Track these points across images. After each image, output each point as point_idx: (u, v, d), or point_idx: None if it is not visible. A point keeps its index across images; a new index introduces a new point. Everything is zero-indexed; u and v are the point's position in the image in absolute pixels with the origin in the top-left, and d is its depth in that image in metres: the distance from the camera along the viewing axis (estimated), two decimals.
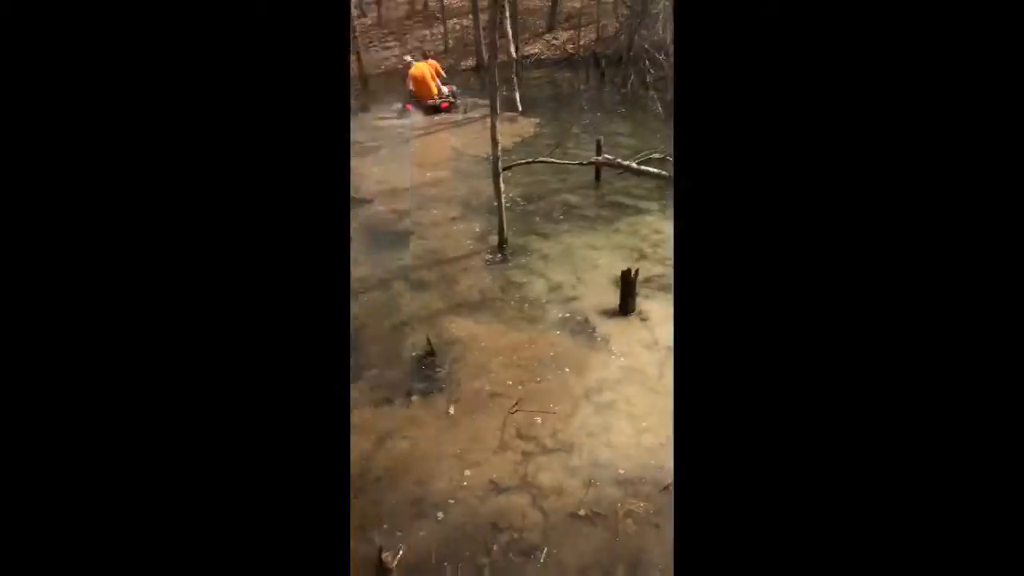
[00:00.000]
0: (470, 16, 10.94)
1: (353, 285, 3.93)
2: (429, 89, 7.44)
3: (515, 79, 3.53)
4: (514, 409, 2.72)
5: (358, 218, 4.90)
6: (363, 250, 4.37)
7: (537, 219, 4.56)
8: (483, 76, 9.63)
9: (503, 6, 3.27)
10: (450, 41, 10.74)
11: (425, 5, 12.47)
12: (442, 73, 7.78)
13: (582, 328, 3.27)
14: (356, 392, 2.93)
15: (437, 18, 11.48)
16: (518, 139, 6.26)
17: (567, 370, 2.95)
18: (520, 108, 3.75)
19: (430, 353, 3.14)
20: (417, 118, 7.54)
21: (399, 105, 7.89)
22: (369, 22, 12.40)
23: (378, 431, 2.66)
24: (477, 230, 4.47)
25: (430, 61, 7.75)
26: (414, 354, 3.16)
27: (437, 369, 3.04)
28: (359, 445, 2.58)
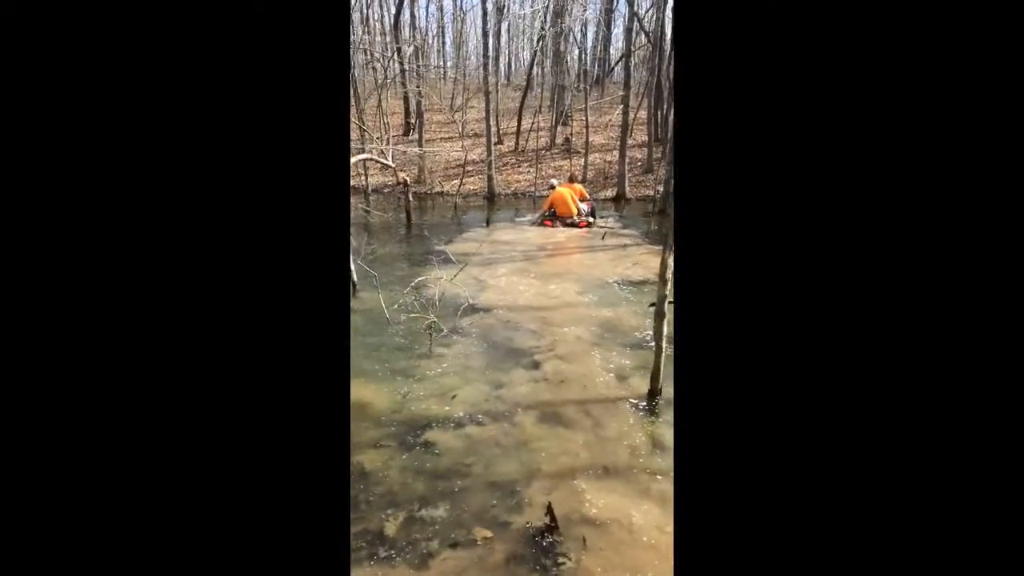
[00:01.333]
0: (613, 152, 11.27)
1: (456, 410, 3.25)
2: (569, 209, 7.92)
3: None
4: None
5: (475, 326, 4.39)
6: (476, 369, 3.75)
7: None
8: (622, 206, 9.58)
9: None
10: (590, 172, 11.00)
11: (567, 139, 13.20)
12: (586, 195, 8.35)
13: None
14: (434, 570, 2.10)
15: (578, 152, 11.99)
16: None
17: None
18: None
19: (550, 528, 2.26)
20: (555, 237, 7.41)
21: (536, 216, 8.38)
22: (506, 148, 13.30)
23: None
24: (613, 367, 3.70)
25: (575, 185, 8.36)
26: (527, 524, 2.30)
27: (560, 559, 2.13)
28: None
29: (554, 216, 8.01)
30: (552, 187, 8.25)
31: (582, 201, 8.10)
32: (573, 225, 7.87)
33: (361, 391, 3.39)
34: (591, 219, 7.97)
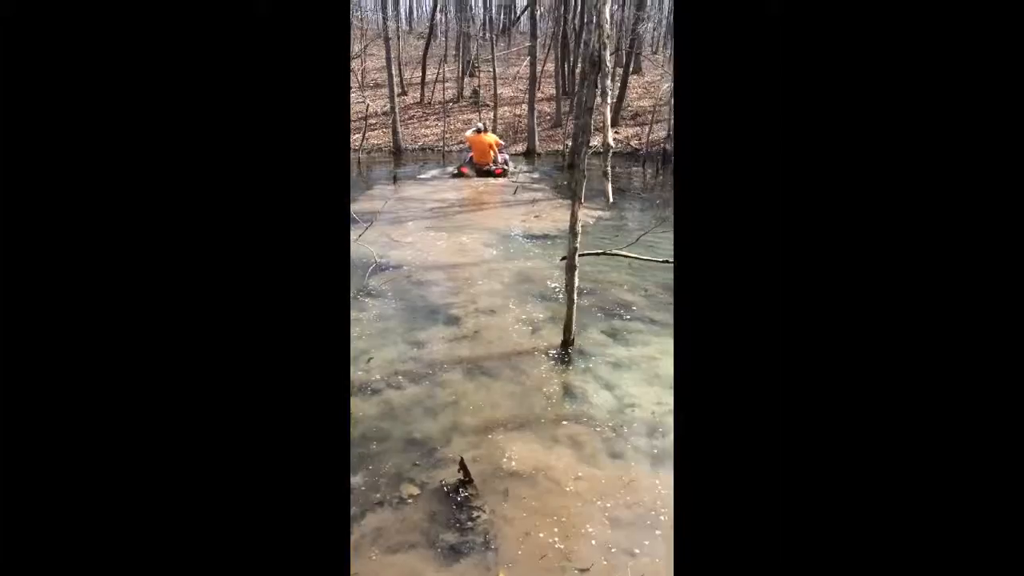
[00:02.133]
0: (522, 106, 11.12)
1: (373, 373, 3.15)
2: (487, 156, 8.04)
3: (608, 170, 2.99)
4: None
5: (389, 286, 4.23)
6: (390, 329, 3.64)
7: (600, 316, 3.83)
8: (533, 160, 9.55)
9: (603, 88, 2.75)
10: (499, 127, 10.80)
11: (475, 92, 12.81)
12: (502, 144, 8.51)
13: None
14: (356, 533, 2.06)
15: (487, 105, 11.69)
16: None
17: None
18: (611, 201, 3.18)
19: (464, 482, 2.28)
20: (464, 192, 7.25)
21: (452, 168, 8.42)
22: (410, 100, 12.67)
23: None
24: (528, 321, 3.75)
25: (491, 135, 8.38)
26: (442, 483, 2.31)
27: (475, 512, 2.16)
28: None
29: (470, 162, 8.09)
30: (479, 130, 8.21)
31: (499, 152, 8.25)
32: (489, 173, 7.94)
33: None
34: (506, 167, 8.13)
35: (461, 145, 9.48)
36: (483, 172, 8.03)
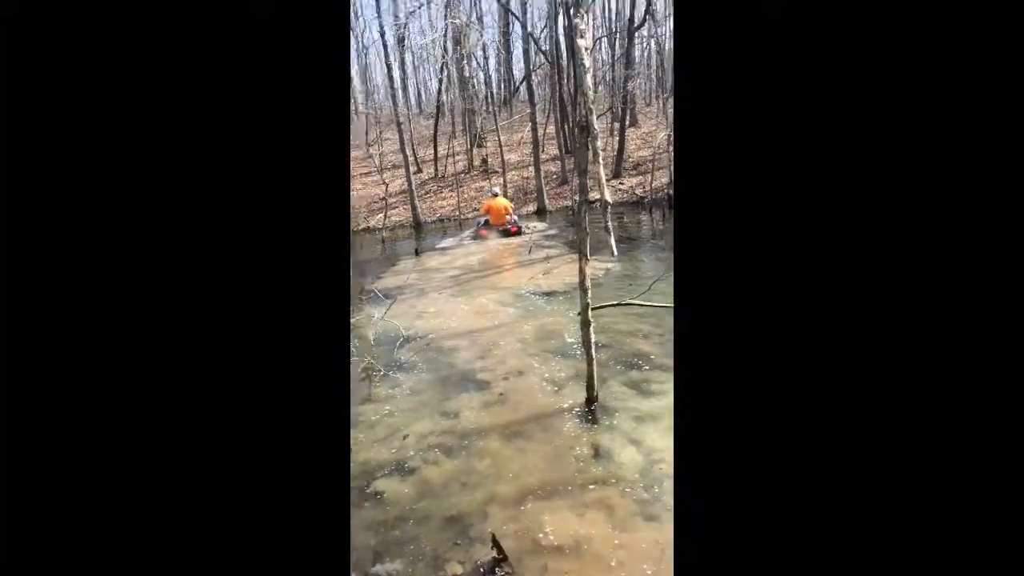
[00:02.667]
0: (529, 168, 11.56)
1: (408, 450, 3.19)
2: (502, 217, 8.89)
3: (610, 224, 3.09)
4: None
5: (419, 357, 4.34)
6: (424, 403, 3.70)
7: (621, 368, 3.83)
8: (545, 217, 9.82)
9: (594, 150, 2.91)
10: (509, 191, 11.21)
11: (484, 161, 13.41)
12: (511, 209, 9.21)
13: None
14: None
15: (496, 172, 12.19)
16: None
17: None
18: (616, 253, 3.26)
19: (499, 561, 2.24)
20: (481, 255, 7.46)
21: (470, 231, 9.11)
22: (426, 176, 13.32)
23: None
24: (552, 380, 3.77)
25: (503, 199, 9.33)
26: (478, 563, 2.27)
27: None
28: None
29: (487, 224, 8.86)
30: (494, 195, 9.26)
31: (508, 215, 8.98)
32: (506, 232, 8.68)
33: None
34: (519, 224, 8.91)
35: (476, 212, 10.01)
36: (501, 231, 8.71)
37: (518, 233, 8.71)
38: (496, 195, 9.22)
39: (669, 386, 3.53)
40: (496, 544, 2.31)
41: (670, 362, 3.84)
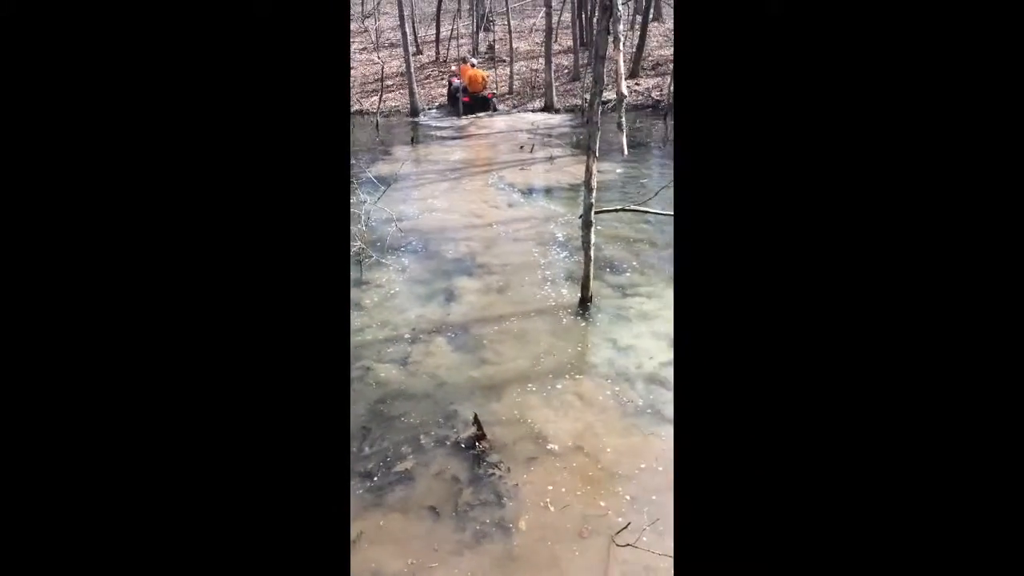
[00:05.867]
0: (539, 60, 10.78)
1: (394, 332, 3.25)
2: (478, 85, 9.28)
3: (623, 122, 2.91)
4: (620, 539, 1.92)
5: (409, 248, 4.30)
6: (413, 292, 3.72)
7: (613, 272, 3.84)
8: (552, 115, 9.35)
9: (615, 35, 2.65)
10: (516, 82, 10.54)
11: (490, 47, 12.44)
12: (487, 79, 9.68)
13: None
14: (364, 495, 2.19)
15: (503, 60, 11.37)
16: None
17: None
18: (626, 153, 3.12)
19: (479, 438, 2.38)
20: (482, 151, 7.18)
21: (454, 95, 9.49)
22: (425, 59, 12.40)
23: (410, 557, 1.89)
24: (548, 278, 3.78)
25: (480, 70, 9.66)
26: (458, 438, 2.40)
27: (491, 469, 2.25)
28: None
29: (464, 91, 9.23)
30: (473, 64, 9.44)
31: (484, 85, 9.46)
32: (484, 100, 9.33)
33: None
34: (494, 100, 9.54)
35: (454, 73, 10.06)
36: (477, 99, 9.28)
37: (491, 101, 9.35)
38: (474, 65, 9.52)
39: (660, 289, 3.58)
40: (477, 422, 2.44)
41: (665, 267, 3.87)
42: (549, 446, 2.35)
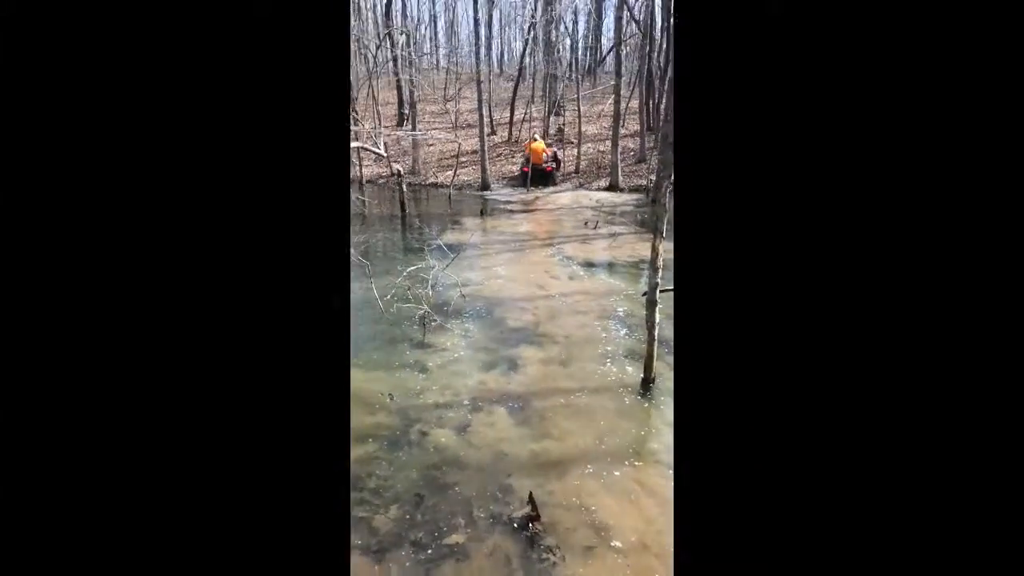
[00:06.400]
0: (606, 143, 11.24)
1: (455, 398, 3.28)
2: (539, 157, 10.25)
3: None
4: None
5: (472, 313, 4.41)
6: (475, 358, 3.77)
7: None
8: (617, 195, 9.58)
9: None
10: (583, 163, 10.98)
11: (560, 129, 13.14)
12: (547, 150, 10.67)
13: None
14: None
15: (571, 142, 11.94)
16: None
17: None
18: None
19: (532, 518, 2.29)
20: (545, 225, 7.40)
21: (518, 169, 10.73)
22: (498, 139, 13.21)
23: None
24: (610, 354, 3.73)
25: (540, 141, 10.73)
26: (512, 515, 2.32)
27: (546, 554, 2.15)
28: None
29: (528, 162, 10.26)
30: (535, 139, 10.61)
31: (545, 154, 10.44)
32: (542, 172, 10.26)
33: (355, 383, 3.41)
34: (554, 163, 10.45)
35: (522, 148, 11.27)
36: (537, 170, 10.20)
37: (552, 174, 10.30)
38: (536, 140, 10.59)
39: None
40: (532, 502, 2.36)
41: None
42: (613, 543, 2.22)
